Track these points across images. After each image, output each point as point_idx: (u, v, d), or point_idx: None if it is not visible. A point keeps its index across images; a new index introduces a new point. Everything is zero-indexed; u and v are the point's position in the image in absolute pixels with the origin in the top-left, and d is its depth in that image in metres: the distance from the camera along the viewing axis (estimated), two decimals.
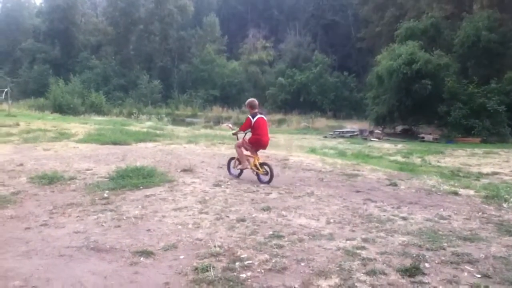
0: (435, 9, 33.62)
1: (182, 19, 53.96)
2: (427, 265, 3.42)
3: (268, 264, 3.46)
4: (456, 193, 6.54)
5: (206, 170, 7.89)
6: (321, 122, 37.75)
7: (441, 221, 4.92)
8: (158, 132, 15.61)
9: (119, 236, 4.19)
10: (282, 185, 6.67)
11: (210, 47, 51.13)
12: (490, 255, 3.70)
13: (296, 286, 3.04)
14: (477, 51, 28.00)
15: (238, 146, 7.26)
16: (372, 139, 26.21)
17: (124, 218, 4.79)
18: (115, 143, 11.72)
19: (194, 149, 11.18)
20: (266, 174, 6.96)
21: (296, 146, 17.34)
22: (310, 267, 3.39)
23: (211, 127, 27.44)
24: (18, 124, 16.07)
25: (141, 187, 6.25)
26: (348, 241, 4.05)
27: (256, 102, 7.45)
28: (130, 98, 44.78)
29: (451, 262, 3.50)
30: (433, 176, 8.69)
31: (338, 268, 3.35)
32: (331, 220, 4.84)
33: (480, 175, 11.57)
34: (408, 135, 29.14)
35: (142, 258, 3.62)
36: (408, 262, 3.44)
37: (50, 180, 6.61)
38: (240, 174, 7.43)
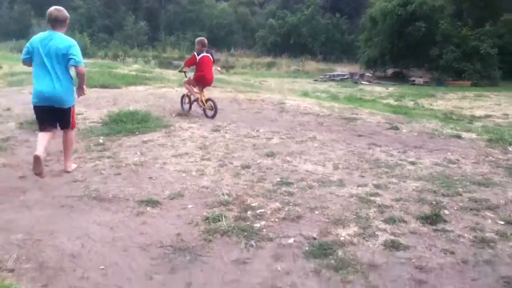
0: None
1: None
2: (446, 212, 3.33)
3: (281, 212, 3.33)
4: (459, 137, 6.43)
5: (202, 114, 7.62)
6: (311, 65, 37.12)
7: (451, 165, 4.82)
8: (147, 75, 15.06)
9: (120, 184, 4.00)
10: (283, 130, 6.47)
11: None
12: (508, 200, 3.62)
13: (314, 235, 2.92)
14: None
15: (187, 83, 7.74)
16: (363, 82, 26.00)
17: (124, 165, 4.58)
18: (104, 86, 11.21)
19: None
20: (211, 109, 7.42)
21: (288, 90, 17.08)
22: (325, 215, 3.27)
23: None
24: (1, 67, 15.35)
25: (137, 133, 5.99)
26: (360, 188, 3.92)
27: (206, 41, 7.72)
28: (115, 40, 43.13)
29: (471, 209, 3.41)
30: (432, 120, 8.61)
31: (355, 216, 3.24)
32: (339, 166, 4.69)
33: (473, 118, 11.62)
34: (399, 78, 28.89)
35: (148, 208, 3.45)
36: (426, 209, 3.34)
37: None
38: (190, 108, 7.93)
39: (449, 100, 17.05)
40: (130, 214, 3.34)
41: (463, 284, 2.35)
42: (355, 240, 2.87)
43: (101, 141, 5.55)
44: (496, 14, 27.22)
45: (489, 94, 18.70)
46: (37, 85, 4.21)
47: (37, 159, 3.98)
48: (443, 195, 3.74)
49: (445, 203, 3.51)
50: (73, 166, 4.57)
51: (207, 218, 3.20)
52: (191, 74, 7.90)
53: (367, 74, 28.58)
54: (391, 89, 22.31)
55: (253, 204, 3.48)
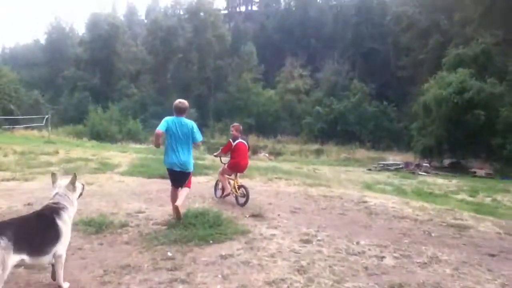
0: (484, 35, 31.84)
1: (219, 48, 54.20)
2: None
3: None
4: None
5: (279, 215, 6.53)
6: (362, 153, 36.20)
7: None
8: (205, 163, 14.46)
9: None
10: (387, 242, 5.19)
11: (247, 76, 50.90)
12: None
13: None
14: None
15: (221, 174, 7.63)
16: (420, 173, 24.40)
17: None
18: (163, 176, 10.45)
19: (251, 185, 9.87)
20: (243, 196, 7.30)
21: (346, 180, 15.96)
22: None
23: (249, 157, 26.28)
24: (57, 152, 15.30)
25: (211, 241, 4.91)
26: None
27: (241, 127, 7.88)
28: None
29: None
30: None
31: None
32: None
33: None
34: (458, 169, 26.95)
35: None
36: None
37: (98, 227, 5.39)
38: (221, 197, 7.73)
39: None
40: None
41: None
42: None
43: (169, 254, 4.51)
44: None
45: None
46: (171, 154, 5.74)
47: (176, 208, 5.67)
48: None
49: None
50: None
51: None
52: (226, 160, 7.83)
53: (424, 164, 26.98)
54: (454, 181, 20.64)
55: None
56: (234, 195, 7.48)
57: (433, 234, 5.73)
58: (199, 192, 8.27)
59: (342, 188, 9.92)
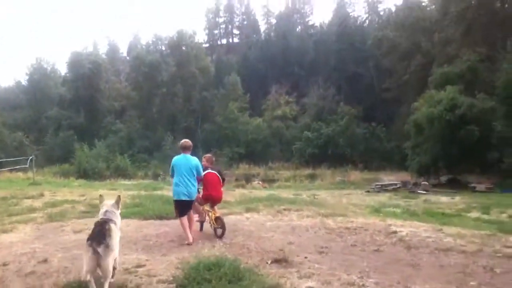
0: (466, 53, 32.35)
1: (204, 80, 54.15)
2: None
3: None
4: None
5: (307, 258, 5.69)
6: (355, 175, 35.96)
7: None
8: None
9: None
10: (450, 287, 4.46)
11: (233, 105, 50.64)
12: None
13: None
14: None
15: (196, 201, 7.45)
16: (419, 191, 24.00)
17: None
18: (160, 217, 9.40)
19: (261, 221, 9.05)
20: (220, 227, 7.25)
21: (351, 205, 15.31)
22: None
23: (243, 186, 25.42)
24: (42, 195, 14.10)
25: None
26: None
27: (213, 158, 8.29)
28: (154, 159, 43.60)
29: None
30: None
31: None
32: None
33: None
34: (456, 185, 26.70)
35: None
36: None
37: None
38: (201, 227, 7.89)
39: None
40: None
41: None
42: None
43: None
44: None
45: None
46: (180, 187, 6.86)
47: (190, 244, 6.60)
48: None
49: None
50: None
51: None
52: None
53: (423, 182, 26.61)
54: (457, 198, 20.33)
55: None
56: (212, 227, 7.44)
57: (497, 270, 5.02)
58: (205, 235, 7.44)
59: (360, 217, 9.18)
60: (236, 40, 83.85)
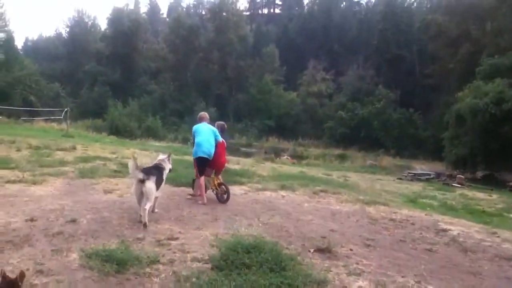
0: None
1: (241, 49, 53.35)
2: None
3: None
4: None
5: (352, 251, 5.28)
6: (387, 160, 34.91)
7: None
8: (235, 168, 13.34)
9: None
10: None
11: (268, 77, 49.84)
12: None
13: None
14: None
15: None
16: (454, 184, 23.06)
17: None
18: (192, 185, 9.22)
19: (298, 201, 8.73)
20: (224, 193, 7.63)
21: (384, 192, 14.75)
22: None
23: (273, 160, 25.03)
24: (74, 148, 14.36)
25: None
26: None
27: (225, 126, 8.99)
28: (185, 124, 43.82)
29: None
30: None
31: None
32: None
33: None
34: (491, 181, 25.53)
35: None
36: None
37: (117, 265, 4.01)
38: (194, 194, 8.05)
39: None
40: None
41: None
42: None
43: None
44: None
45: None
46: (201, 146, 7.47)
47: (204, 204, 7.34)
48: None
49: None
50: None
51: None
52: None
53: (459, 175, 25.59)
54: (495, 196, 19.29)
55: None
56: (215, 192, 7.75)
57: None
58: (240, 211, 7.06)
59: (405, 208, 8.73)
60: (277, 11, 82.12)
